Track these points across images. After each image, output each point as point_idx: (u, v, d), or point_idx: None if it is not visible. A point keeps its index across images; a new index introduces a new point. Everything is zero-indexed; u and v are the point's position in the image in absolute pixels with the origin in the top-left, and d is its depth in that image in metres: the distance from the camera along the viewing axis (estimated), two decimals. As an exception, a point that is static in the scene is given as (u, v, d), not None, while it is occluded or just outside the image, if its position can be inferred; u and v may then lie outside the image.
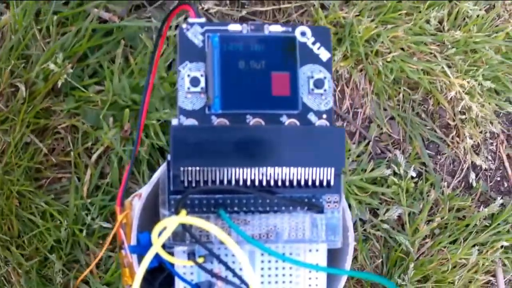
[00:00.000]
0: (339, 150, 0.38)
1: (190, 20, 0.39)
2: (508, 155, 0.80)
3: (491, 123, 0.78)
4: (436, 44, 0.75)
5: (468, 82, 0.74)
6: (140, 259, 0.40)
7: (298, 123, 0.39)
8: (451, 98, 0.75)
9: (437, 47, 0.75)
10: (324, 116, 0.39)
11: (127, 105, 0.60)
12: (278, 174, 0.38)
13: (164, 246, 0.37)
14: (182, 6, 0.42)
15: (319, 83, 0.39)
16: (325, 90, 0.39)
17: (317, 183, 0.38)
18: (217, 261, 0.40)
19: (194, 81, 0.38)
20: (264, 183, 0.38)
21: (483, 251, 0.75)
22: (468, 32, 0.76)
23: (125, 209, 0.45)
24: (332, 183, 0.39)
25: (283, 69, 0.38)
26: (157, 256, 0.36)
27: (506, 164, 0.80)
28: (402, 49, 0.74)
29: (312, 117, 0.39)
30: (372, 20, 0.72)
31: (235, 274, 0.39)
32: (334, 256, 0.45)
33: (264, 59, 0.38)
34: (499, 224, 0.76)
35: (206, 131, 0.37)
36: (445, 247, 0.73)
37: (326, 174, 0.38)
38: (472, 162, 0.77)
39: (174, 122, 0.38)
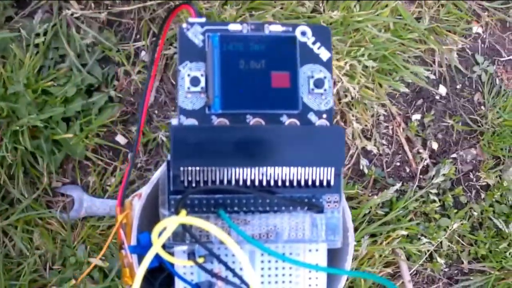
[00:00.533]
0: (339, 150, 0.38)
1: (191, 19, 0.39)
2: (407, 138, 0.74)
3: (383, 105, 0.72)
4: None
5: (345, 63, 0.68)
6: (140, 259, 0.40)
7: (298, 122, 0.39)
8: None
9: (312, 30, 0.71)
10: (324, 116, 0.39)
11: None
12: (278, 174, 0.38)
13: (164, 246, 0.37)
14: (182, 6, 0.42)
15: (319, 83, 0.39)
16: (325, 90, 0.39)
17: (317, 183, 0.38)
18: (217, 261, 0.40)
19: (194, 81, 0.38)
20: (264, 183, 0.38)
21: (377, 241, 0.70)
22: (349, 11, 0.70)
23: (125, 209, 0.45)
24: (332, 183, 0.39)
25: (283, 69, 0.38)
26: (157, 256, 0.36)
27: (406, 147, 0.74)
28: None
29: (312, 117, 0.39)
30: (239, 8, 0.68)
31: (235, 274, 0.39)
32: (334, 256, 0.45)
33: (264, 58, 0.38)
34: (399, 211, 0.71)
35: (206, 131, 0.37)
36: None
37: (326, 174, 0.38)
38: (363, 147, 0.72)
39: (174, 122, 0.38)
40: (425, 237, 0.72)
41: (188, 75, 0.38)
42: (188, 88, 0.38)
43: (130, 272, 0.43)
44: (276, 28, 0.39)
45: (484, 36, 0.80)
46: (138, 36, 0.69)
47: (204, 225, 0.35)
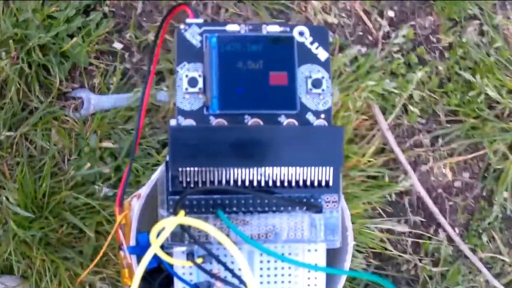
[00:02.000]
0: (338, 149, 0.38)
1: (188, 20, 0.39)
2: (364, 10, 0.80)
3: None
4: None
5: None
6: (139, 260, 0.40)
7: (296, 123, 0.39)
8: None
9: None
10: (323, 116, 0.39)
11: (13, 38, 0.72)
12: (276, 174, 0.38)
13: (163, 247, 0.37)
14: (180, 6, 0.42)
15: (317, 83, 0.39)
16: (323, 90, 0.39)
17: (316, 183, 0.38)
18: (216, 261, 0.40)
19: (192, 82, 0.38)
20: (263, 183, 0.38)
21: (349, 94, 0.75)
22: None
23: (124, 210, 0.45)
24: (330, 183, 0.39)
25: (281, 69, 0.38)
26: (156, 256, 0.36)
27: (365, 19, 0.79)
28: None
29: (310, 117, 0.39)
30: None
31: (234, 275, 0.39)
32: (333, 256, 0.45)
33: (262, 59, 0.38)
34: (368, 72, 0.76)
35: (204, 132, 0.37)
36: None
37: (324, 173, 0.38)
38: (324, 21, 0.77)
39: (173, 122, 0.38)
40: (396, 90, 0.77)
41: (186, 75, 0.38)
42: (186, 89, 0.38)
43: (129, 273, 0.43)
44: (274, 29, 0.39)
45: None
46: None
47: (202, 226, 0.35)
